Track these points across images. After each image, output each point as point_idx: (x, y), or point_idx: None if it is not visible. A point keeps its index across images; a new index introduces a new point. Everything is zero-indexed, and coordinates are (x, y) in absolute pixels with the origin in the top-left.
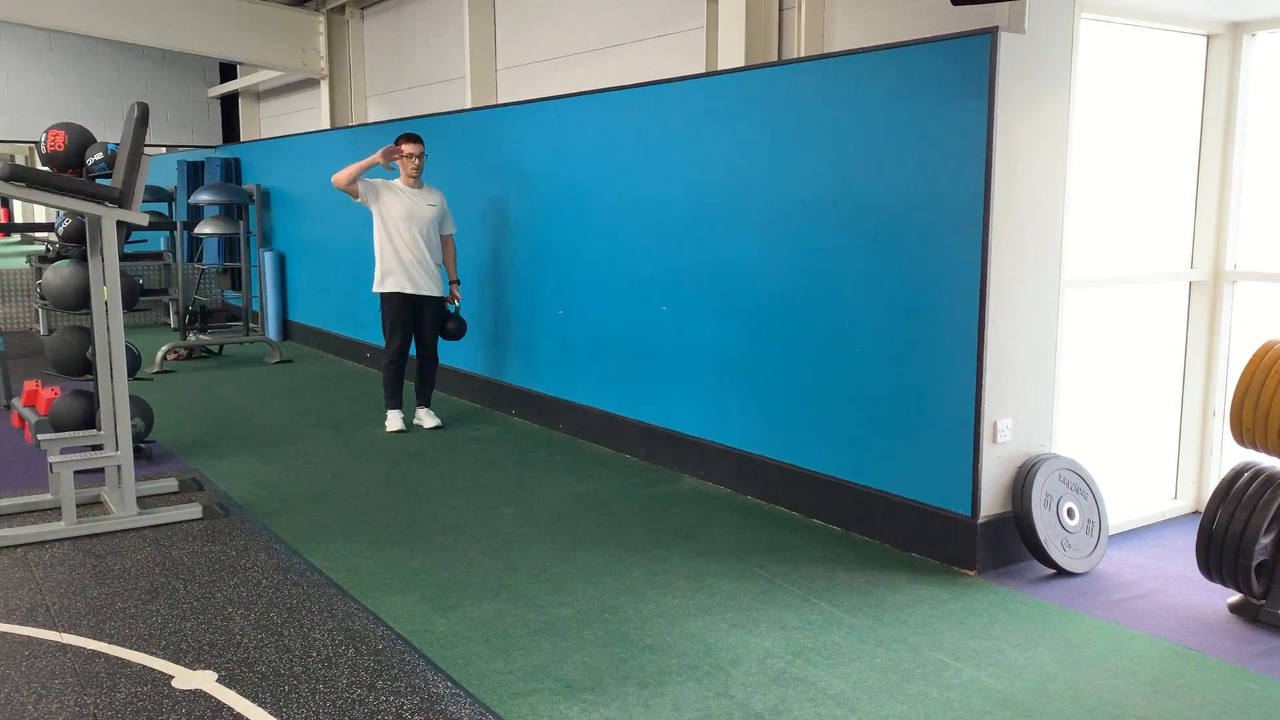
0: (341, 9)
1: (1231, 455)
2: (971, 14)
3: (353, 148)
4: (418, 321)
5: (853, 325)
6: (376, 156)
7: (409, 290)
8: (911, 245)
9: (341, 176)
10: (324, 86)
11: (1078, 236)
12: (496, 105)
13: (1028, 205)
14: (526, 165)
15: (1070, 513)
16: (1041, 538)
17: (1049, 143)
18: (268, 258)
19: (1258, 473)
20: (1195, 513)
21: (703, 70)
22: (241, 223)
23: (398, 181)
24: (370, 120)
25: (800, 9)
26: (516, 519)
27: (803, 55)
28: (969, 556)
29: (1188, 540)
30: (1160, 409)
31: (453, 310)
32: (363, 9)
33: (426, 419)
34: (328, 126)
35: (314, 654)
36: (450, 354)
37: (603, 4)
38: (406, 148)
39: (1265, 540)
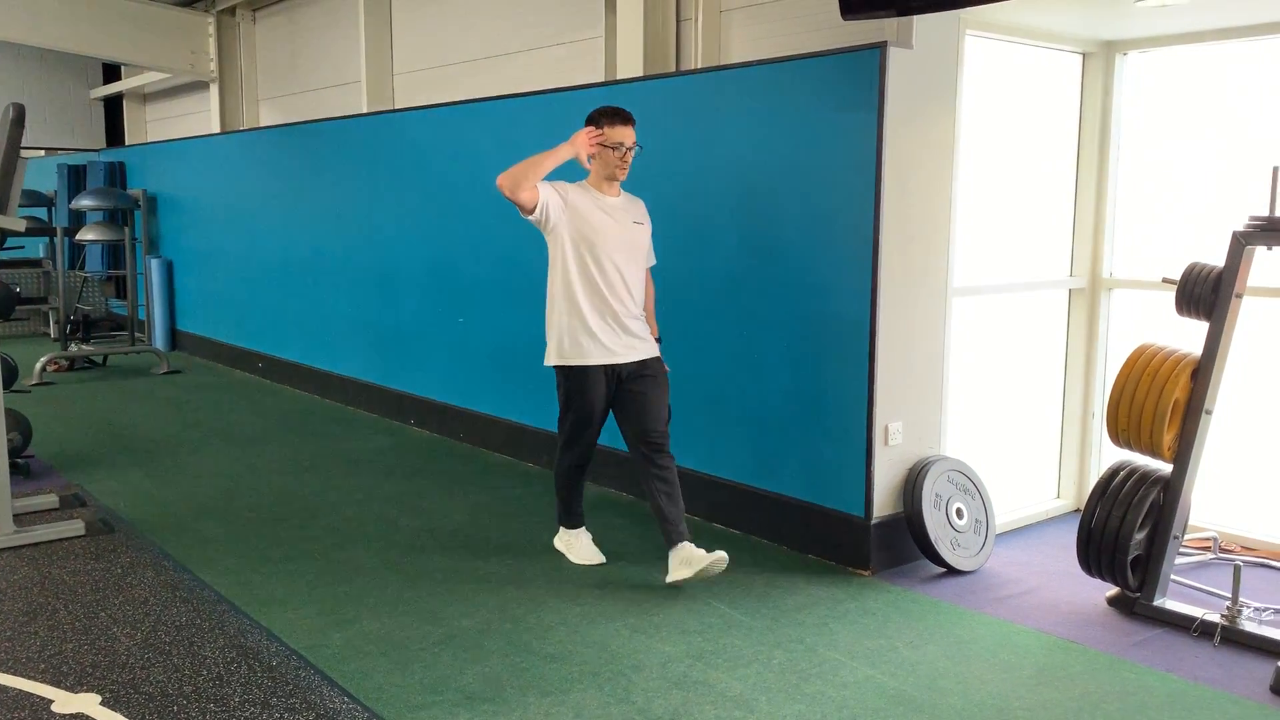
0: (232, 10)
1: (1110, 455)
2: (861, 29)
3: (244, 152)
4: (620, 402)
5: (750, 332)
6: (572, 147)
7: (612, 361)
8: (806, 254)
9: (517, 176)
10: (214, 89)
11: (964, 245)
12: (394, 110)
13: (917, 215)
14: (424, 169)
15: (959, 512)
16: (932, 537)
17: (937, 154)
18: (155, 265)
19: (1132, 471)
20: (1076, 511)
21: (602, 79)
22: (127, 229)
23: (587, 183)
24: (262, 124)
25: (697, 21)
26: (415, 530)
27: (700, 66)
28: (863, 557)
29: (1069, 537)
30: (1043, 411)
31: None
32: (254, 10)
33: (695, 560)
34: (218, 130)
35: (204, 673)
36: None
37: (501, 12)
38: (612, 132)
39: (1139, 536)
